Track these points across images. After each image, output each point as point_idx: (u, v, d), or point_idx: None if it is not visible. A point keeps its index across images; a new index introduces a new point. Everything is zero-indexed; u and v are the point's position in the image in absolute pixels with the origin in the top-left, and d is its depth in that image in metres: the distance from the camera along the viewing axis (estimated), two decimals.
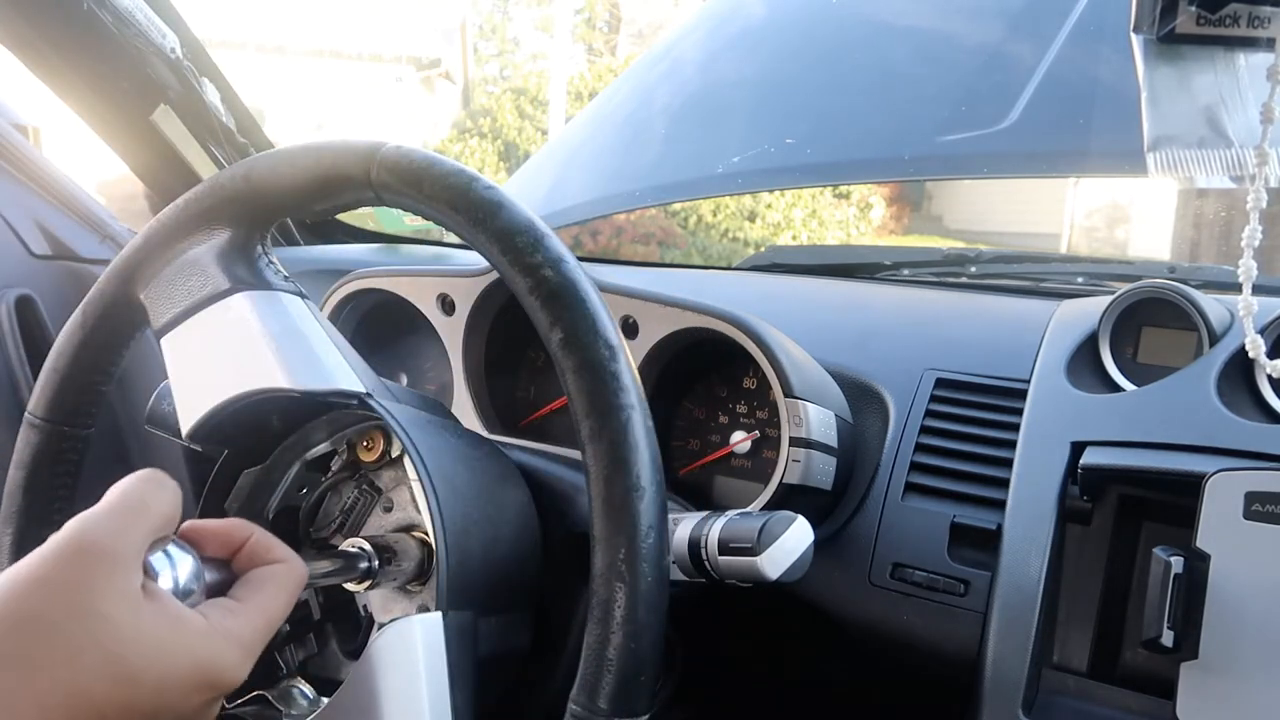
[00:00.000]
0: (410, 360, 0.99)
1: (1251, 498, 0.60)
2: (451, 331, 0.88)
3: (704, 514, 0.59)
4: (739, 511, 0.58)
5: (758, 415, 0.82)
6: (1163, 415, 0.69)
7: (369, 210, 0.77)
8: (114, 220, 1.09)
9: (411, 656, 0.49)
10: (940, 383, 0.80)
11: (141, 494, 0.42)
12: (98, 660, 0.37)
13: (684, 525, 0.59)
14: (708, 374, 0.85)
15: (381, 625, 0.56)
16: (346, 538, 0.58)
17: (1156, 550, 0.61)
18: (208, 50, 1.02)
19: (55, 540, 0.39)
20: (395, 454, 0.60)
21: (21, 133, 1.06)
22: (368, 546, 0.54)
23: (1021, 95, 1.21)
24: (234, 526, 0.48)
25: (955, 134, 1.27)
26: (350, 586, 0.55)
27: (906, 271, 1.11)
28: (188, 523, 0.47)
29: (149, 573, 0.41)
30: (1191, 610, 0.60)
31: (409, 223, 1.39)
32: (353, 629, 0.59)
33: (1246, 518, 0.60)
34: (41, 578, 0.37)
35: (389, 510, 0.60)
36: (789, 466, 0.71)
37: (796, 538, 0.56)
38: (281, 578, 0.46)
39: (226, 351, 0.55)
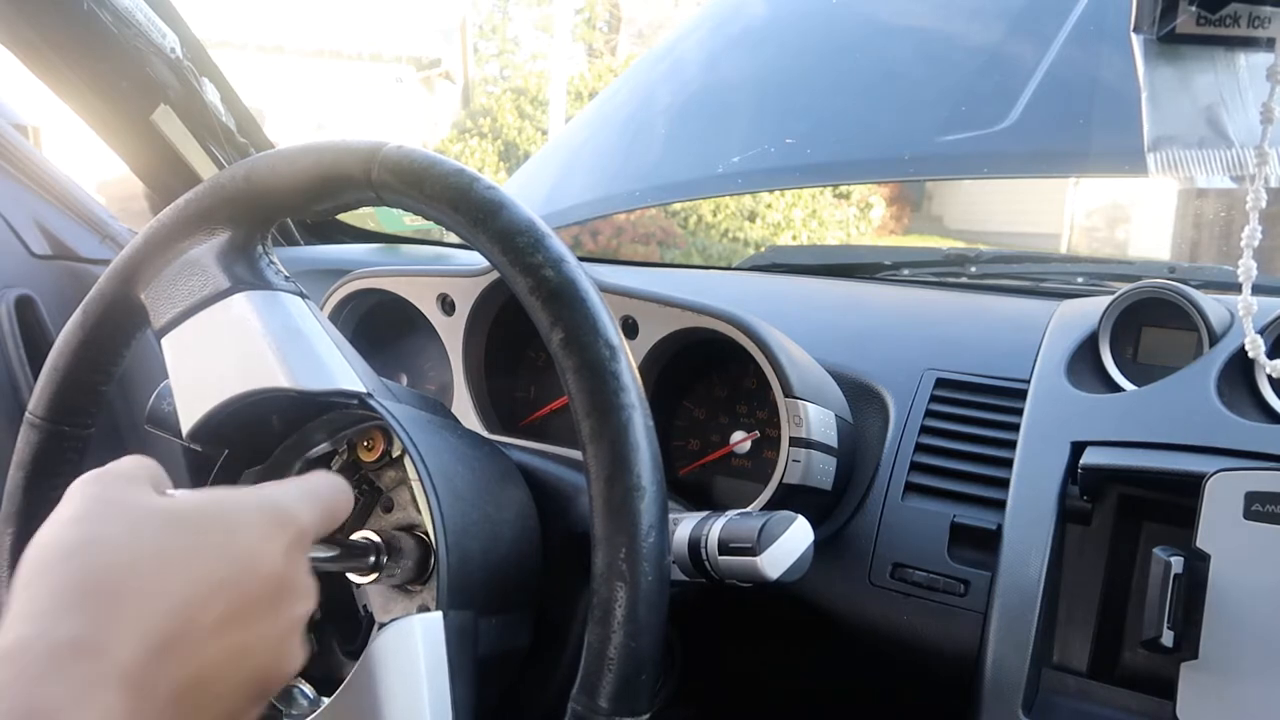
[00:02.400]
0: (410, 360, 0.99)
1: (1251, 498, 0.60)
2: (451, 331, 0.88)
3: (704, 514, 0.59)
4: (739, 511, 0.58)
5: (758, 415, 0.82)
6: (1163, 415, 0.69)
7: (369, 210, 0.77)
8: (114, 220, 1.09)
9: (412, 656, 0.49)
10: (940, 383, 0.80)
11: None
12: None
13: (684, 525, 0.59)
14: (708, 374, 0.85)
15: (382, 625, 0.56)
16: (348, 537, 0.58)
17: (1156, 550, 0.61)
18: (208, 50, 1.02)
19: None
20: (396, 454, 0.60)
21: (21, 133, 1.06)
22: (375, 538, 0.54)
23: (1021, 95, 1.21)
24: None
25: (955, 134, 1.27)
26: (355, 578, 0.55)
27: (906, 271, 1.11)
28: None
29: None
30: (1191, 610, 0.60)
31: (409, 223, 1.38)
32: (353, 629, 0.59)
33: (1246, 518, 0.60)
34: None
35: (389, 510, 0.60)
36: (789, 466, 0.71)
37: (796, 538, 0.56)
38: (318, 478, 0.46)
39: (227, 351, 0.55)
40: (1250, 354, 0.60)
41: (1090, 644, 0.68)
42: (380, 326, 0.96)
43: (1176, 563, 0.60)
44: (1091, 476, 0.68)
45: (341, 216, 1.29)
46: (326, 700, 0.51)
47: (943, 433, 0.77)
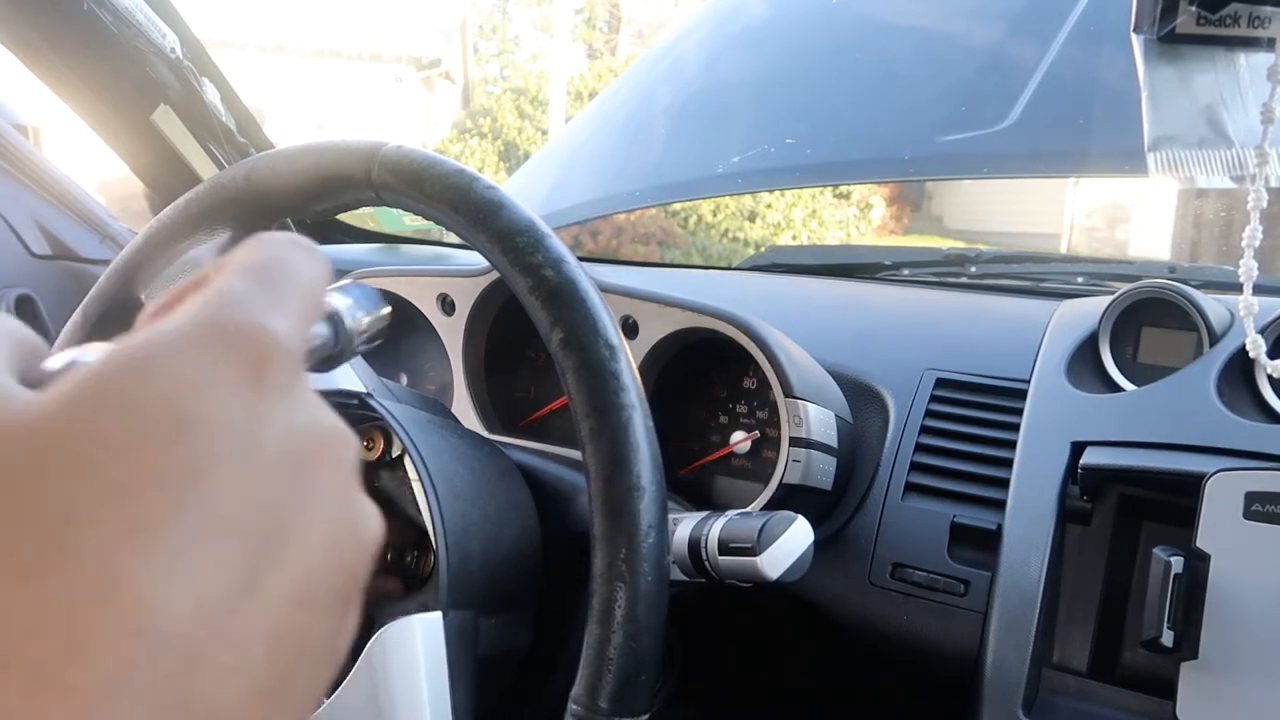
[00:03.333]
0: (410, 360, 0.99)
1: (1251, 498, 0.60)
2: (451, 331, 0.88)
3: (704, 514, 0.59)
4: (739, 511, 0.58)
5: (758, 415, 0.82)
6: (1163, 415, 0.69)
7: (369, 210, 0.77)
8: (114, 220, 1.09)
9: (412, 656, 0.49)
10: (940, 383, 0.80)
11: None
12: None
13: (684, 525, 0.59)
14: (708, 374, 0.85)
15: (382, 625, 0.56)
16: None
17: (1156, 550, 0.61)
18: (208, 50, 1.02)
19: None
20: (395, 454, 0.60)
21: (21, 133, 1.06)
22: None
23: (1021, 95, 1.21)
24: (193, 279, 0.28)
25: (955, 134, 1.27)
26: None
27: (906, 271, 1.11)
28: None
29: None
30: (1191, 610, 0.60)
31: (409, 223, 1.39)
32: None
33: (1246, 518, 0.60)
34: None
35: (389, 510, 0.60)
36: (789, 466, 0.71)
37: (796, 538, 0.56)
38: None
39: None
40: (1251, 354, 0.60)
41: (1090, 644, 0.68)
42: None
43: (1176, 563, 0.60)
44: (1091, 476, 0.68)
45: (341, 216, 1.29)
46: (326, 700, 0.51)
47: (943, 433, 0.77)
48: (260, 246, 0.26)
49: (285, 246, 0.27)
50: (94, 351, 0.25)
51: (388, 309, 0.34)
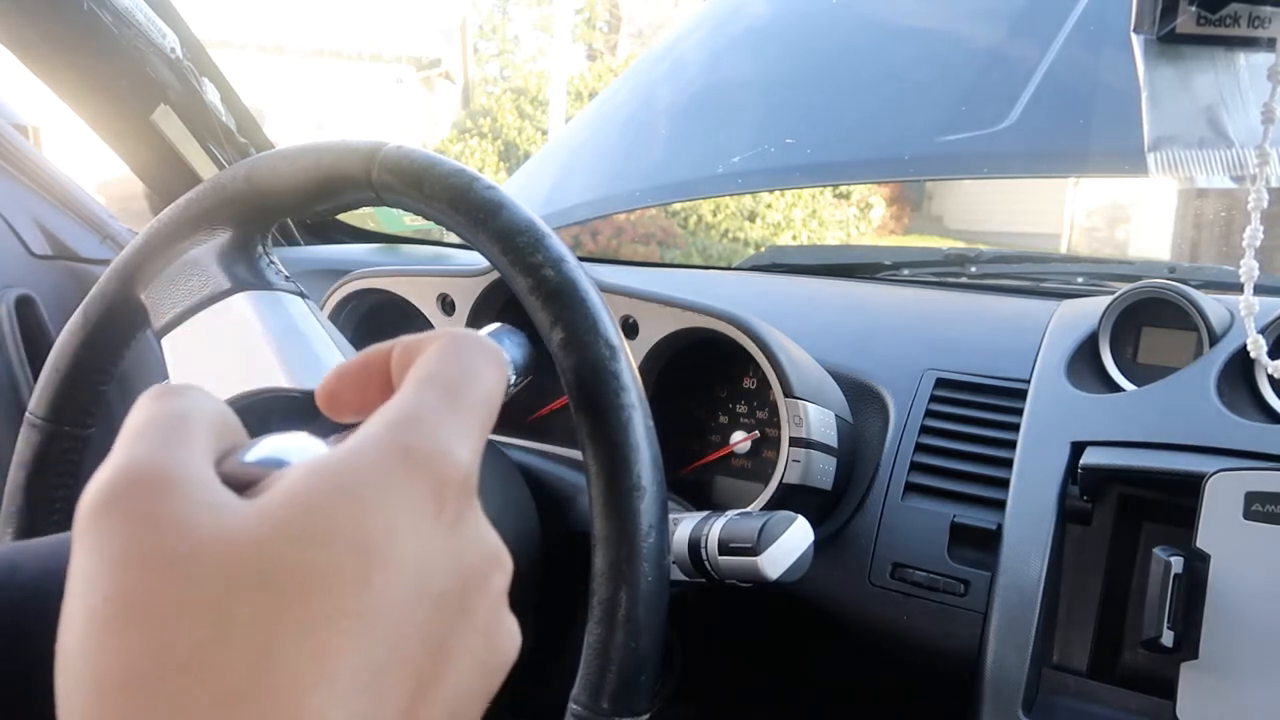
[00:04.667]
0: None
1: (1251, 498, 0.60)
2: None
3: (704, 514, 0.59)
4: (739, 511, 0.58)
5: (758, 415, 0.82)
6: (1163, 415, 0.69)
7: (369, 210, 0.77)
8: (114, 220, 1.09)
9: None
10: (940, 383, 0.80)
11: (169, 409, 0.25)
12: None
13: (684, 525, 0.59)
14: (708, 374, 0.85)
15: None
16: None
17: (1156, 550, 0.61)
18: (208, 50, 1.02)
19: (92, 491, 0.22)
20: None
21: (21, 133, 1.06)
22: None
23: (1021, 95, 1.21)
24: (366, 360, 0.30)
25: (955, 134, 1.27)
26: None
27: (906, 271, 1.11)
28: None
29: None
30: (1191, 610, 0.60)
31: (409, 223, 1.38)
32: None
33: (1246, 518, 0.60)
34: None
35: None
36: (789, 466, 0.71)
37: (796, 538, 0.56)
38: (449, 347, 0.28)
39: (227, 351, 0.55)
40: (1252, 354, 0.60)
41: (1090, 644, 0.68)
42: (380, 326, 0.96)
43: (1176, 563, 0.60)
44: (1091, 476, 0.68)
45: (341, 216, 1.29)
46: None
47: (943, 433, 0.77)
48: (449, 355, 0.27)
49: (472, 353, 0.28)
50: (289, 448, 0.26)
51: (532, 360, 0.35)
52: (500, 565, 0.26)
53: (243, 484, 0.24)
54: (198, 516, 0.21)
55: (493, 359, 0.28)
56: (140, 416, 0.24)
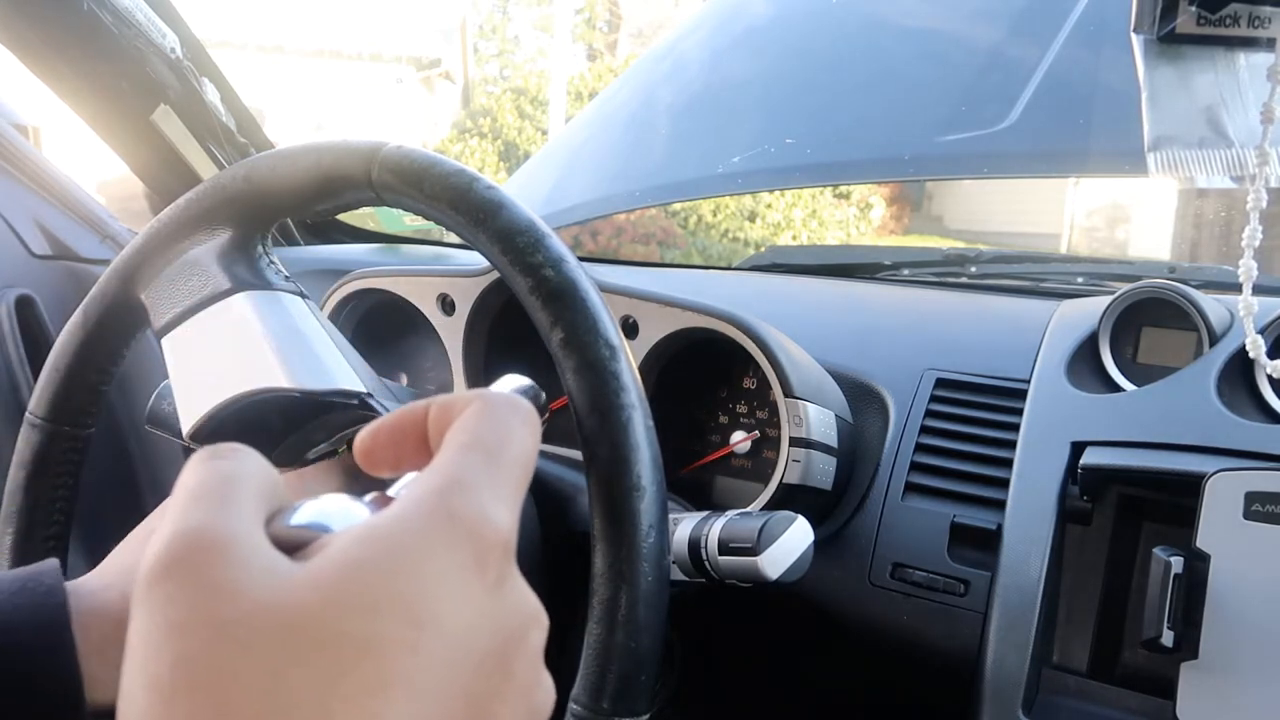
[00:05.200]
0: (410, 360, 0.99)
1: (1251, 498, 0.60)
2: (451, 331, 0.88)
3: (704, 514, 0.59)
4: (739, 511, 0.58)
5: (758, 415, 0.82)
6: (1163, 415, 0.69)
7: (369, 210, 0.77)
8: (114, 220, 1.09)
9: None
10: (940, 383, 0.80)
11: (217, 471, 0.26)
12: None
13: (684, 525, 0.59)
14: (708, 374, 0.85)
15: None
16: None
17: (1156, 550, 0.61)
18: (208, 50, 1.02)
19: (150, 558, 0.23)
20: None
21: (21, 133, 1.06)
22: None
23: (1021, 95, 1.21)
24: (402, 419, 0.30)
25: (955, 134, 1.27)
26: None
27: (906, 271, 1.11)
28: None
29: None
30: (1191, 610, 0.60)
31: (409, 223, 1.39)
32: None
33: (1246, 518, 0.60)
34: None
35: None
36: (789, 466, 0.71)
37: (796, 538, 0.56)
38: (483, 409, 0.28)
39: (227, 351, 0.55)
40: (1251, 354, 0.60)
41: (1090, 644, 0.68)
42: (380, 326, 0.96)
43: (1176, 563, 0.60)
44: (1091, 476, 0.68)
45: (341, 216, 1.29)
46: None
47: (943, 433, 0.77)
48: (486, 418, 0.28)
49: (508, 415, 0.29)
50: (332, 512, 0.27)
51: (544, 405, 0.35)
52: (538, 624, 0.27)
53: (290, 546, 0.24)
54: (252, 581, 0.22)
55: (527, 420, 0.29)
56: (193, 479, 0.25)
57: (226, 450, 0.27)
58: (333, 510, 0.27)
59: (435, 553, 0.24)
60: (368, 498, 0.30)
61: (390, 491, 0.31)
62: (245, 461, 0.26)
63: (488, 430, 0.28)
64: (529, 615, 0.27)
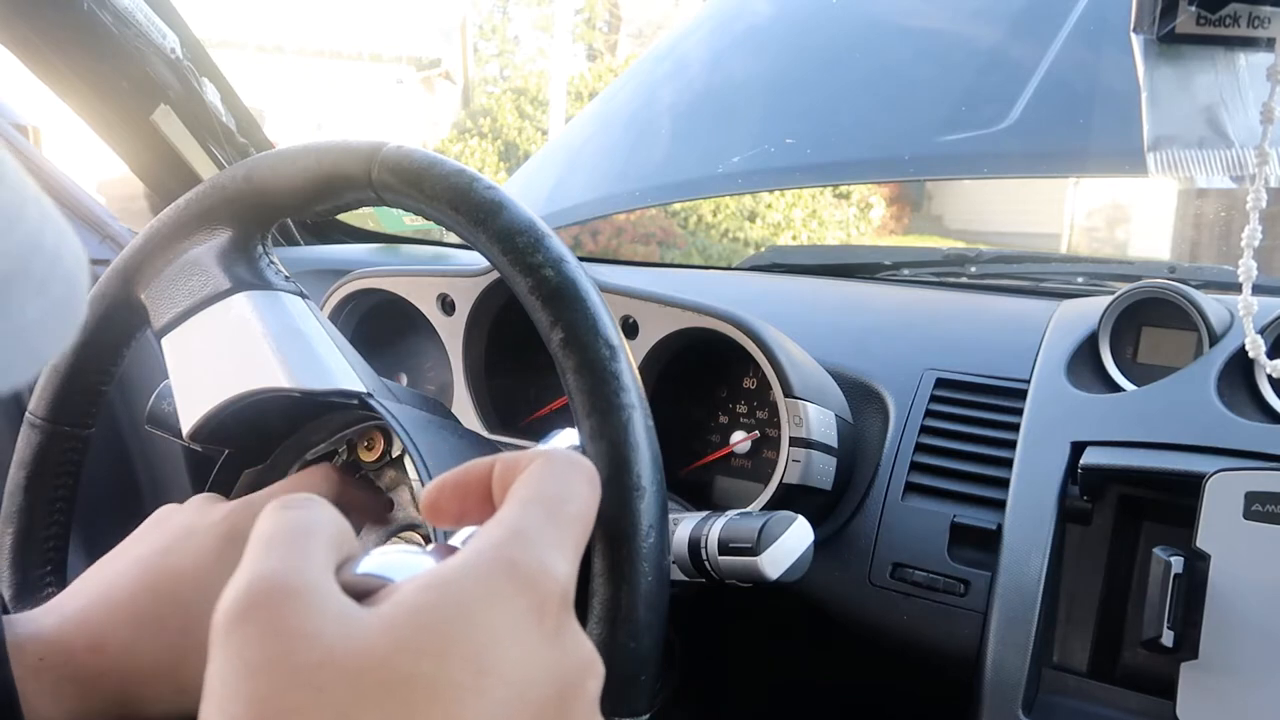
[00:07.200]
0: (410, 360, 0.99)
1: (1251, 498, 0.60)
2: (451, 331, 0.88)
3: (704, 514, 0.59)
4: (739, 511, 0.58)
5: (758, 415, 0.82)
6: (1163, 415, 0.69)
7: (369, 210, 0.77)
8: (114, 220, 1.09)
9: None
10: (940, 383, 0.80)
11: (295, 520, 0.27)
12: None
13: (684, 525, 0.59)
14: (708, 374, 0.85)
15: None
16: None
17: (1156, 550, 0.61)
18: (208, 50, 1.02)
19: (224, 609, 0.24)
20: (396, 454, 0.60)
21: (21, 133, 1.06)
22: (418, 538, 0.55)
23: (1021, 95, 1.21)
24: (467, 474, 0.32)
25: (955, 134, 1.27)
26: None
27: (906, 271, 1.11)
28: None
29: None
30: (1191, 610, 0.60)
31: (409, 223, 1.38)
32: None
33: (1246, 518, 0.60)
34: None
35: (389, 510, 0.60)
36: (789, 466, 0.71)
37: (796, 538, 0.56)
38: (546, 469, 0.30)
39: (227, 351, 0.55)
40: (1251, 354, 0.60)
41: (1090, 644, 0.68)
42: (380, 326, 0.96)
43: (1176, 563, 0.60)
44: (1091, 476, 0.68)
45: (341, 216, 1.29)
46: None
47: (943, 433, 0.77)
48: (548, 475, 0.30)
49: (570, 472, 0.31)
50: (397, 563, 0.28)
51: None
52: (594, 672, 0.29)
53: (359, 593, 0.26)
54: (326, 626, 0.23)
55: (588, 478, 0.31)
56: (267, 528, 0.26)
57: (300, 500, 0.28)
58: (398, 562, 0.28)
59: (497, 601, 0.25)
60: (430, 547, 0.31)
61: (453, 541, 0.33)
62: (317, 511, 0.28)
63: (550, 486, 0.29)
64: (586, 663, 0.28)
